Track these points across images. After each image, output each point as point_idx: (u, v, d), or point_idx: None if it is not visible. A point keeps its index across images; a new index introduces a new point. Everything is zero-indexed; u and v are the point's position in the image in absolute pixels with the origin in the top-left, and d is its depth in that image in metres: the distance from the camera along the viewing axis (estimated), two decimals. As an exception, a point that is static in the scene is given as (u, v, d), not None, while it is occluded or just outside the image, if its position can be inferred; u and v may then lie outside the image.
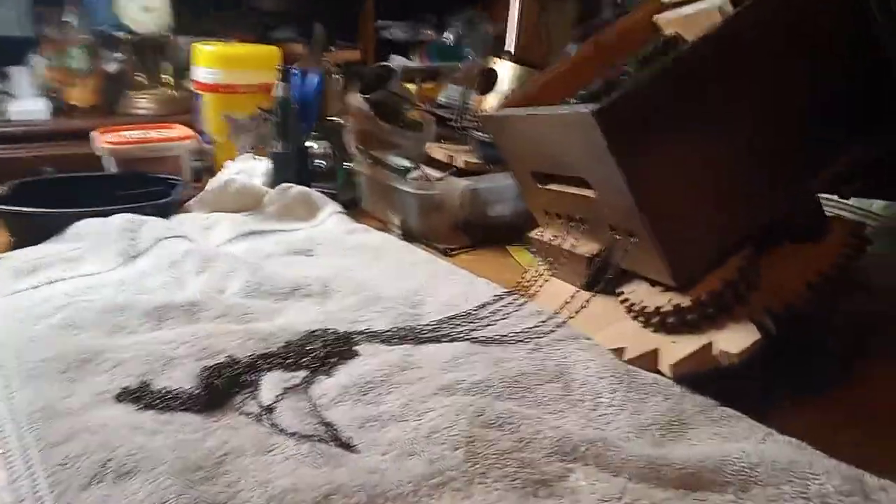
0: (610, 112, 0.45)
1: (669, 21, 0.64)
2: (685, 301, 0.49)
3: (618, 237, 0.53)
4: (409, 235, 0.86)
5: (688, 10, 0.62)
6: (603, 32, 0.66)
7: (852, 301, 0.56)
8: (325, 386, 0.49)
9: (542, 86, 0.65)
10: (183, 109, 1.59)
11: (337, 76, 1.01)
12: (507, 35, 1.28)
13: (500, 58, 0.96)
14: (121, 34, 1.63)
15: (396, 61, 1.97)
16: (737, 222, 0.50)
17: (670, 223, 0.48)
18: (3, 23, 1.67)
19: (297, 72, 0.88)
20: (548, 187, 0.60)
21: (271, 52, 1.03)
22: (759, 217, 0.51)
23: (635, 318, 0.54)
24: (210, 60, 0.98)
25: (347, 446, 0.42)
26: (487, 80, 0.96)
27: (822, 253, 0.51)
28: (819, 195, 0.55)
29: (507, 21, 1.46)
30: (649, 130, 0.47)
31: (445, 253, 0.83)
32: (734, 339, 0.46)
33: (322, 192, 0.94)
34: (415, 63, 2.03)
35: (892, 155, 0.54)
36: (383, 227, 0.90)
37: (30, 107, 1.59)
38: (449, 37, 2.07)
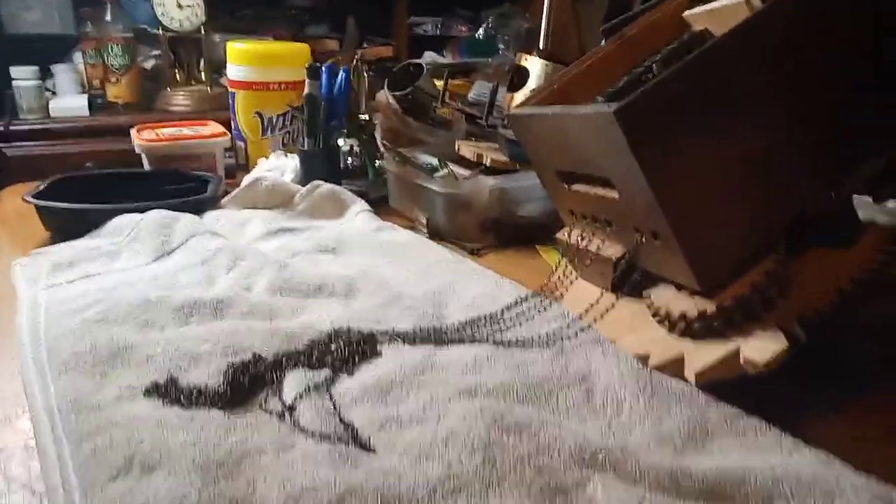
0: (630, 110, 0.44)
1: (697, 16, 0.63)
2: (711, 307, 0.48)
3: (642, 239, 0.52)
4: (436, 234, 0.86)
5: (715, 4, 0.61)
6: (630, 27, 0.65)
7: (887, 305, 0.54)
8: (347, 385, 0.50)
9: (567, 83, 0.64)
10: (219, 105, 1.62)
11: (366, 73, 1.01)
12: (540, 30, 1.26)
13: (530, 54, 0.95)
14: (158, 31, 1.67)
15: (429, 57, 1.97)
16: (765, 223, 0.49)
17: (694, 225, 0.47)
18: (46, 22, 1.72)
19: (325, 69, 0.89)
20: (573, 188, 0.59)
21: (302, 49, 1.04)
22: (787, 217, 0.49)
23: (661, 322, 0.53)
24: (242, 58, 0.99)
25: (365, 447, 0.43)
26: (517, 78, 0.95)
27: (855, 258, 0.50)
28: (852, 197, 0.54)
29: (540, 16, 1.44)
30: (672, 128, 0.46)
31: (473, 252, 0.82)
32: (761, 348, 0.45)
33: (352, 190, 0.94)
34: (447, 59, 2.03)
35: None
36: (411, 225, 0.90)
37: (71, 104, 1.63)
38: (481, 32, 2.06)
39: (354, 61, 0.99)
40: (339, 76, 0.89)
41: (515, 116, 0.61)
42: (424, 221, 0.87)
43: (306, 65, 0.88)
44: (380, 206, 0.96)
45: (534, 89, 0.92)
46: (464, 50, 2.07)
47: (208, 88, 1.72)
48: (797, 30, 0.47)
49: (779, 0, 0.47)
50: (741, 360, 0.46)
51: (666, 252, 0.50)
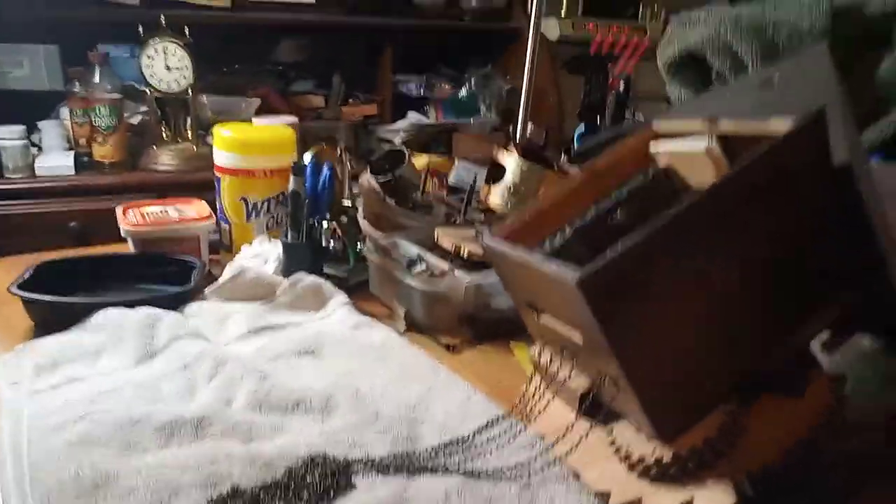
0: (593, 280, 0.47)
1: (661, 153, 0.67)
2: (667, 454, 0.51)
3: (605, 382, 0.55)
4: (413, 325, 0.89)
5: (677, 145, 0.64)
6: (598, 160, 0.69)
7: (850, 441, 0.57)
8: (322, 526, 0.52)
9: (538, 212, 0.68)
10: (205, 165, 1.64)
11: (348, 162, 1.04)
12: (517, 122, 1.31)
13: (507, 149, 0.99)
14: (145, 90, 1.69)
15: (413, 118, 2.02)
16: (723, 379, 0.52)
17: (654, 385, 0.50)
18: (34, 78, 1.74)
19: (309, 165, 0.92)
20: (541, 318, 0.62)
21: (288, 135, 1.07)
22: (741, 370, 0.53)
23: (622, 461, 0.55)
24: (228, 145, 1.02)
25: None
26: (495, 172, 0.99)
27: (806, 407, 0.53)
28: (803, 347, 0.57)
29: (520, 78, 1.49)
30: (633, 294, 0.49)
31: (448, 348, 0.85)
32: (712, 500, 0.48)
33: (333, 276, 0.97)
34: (430, 119, 2.07)
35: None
36: (389, 313, 0.93)
37: (57, 162, 1.65)
38: (464, 92, 2.11)
39: (339, 152, 1.02)
40: (324, 173, 0.92)
41: (489, 248, 0.64)
42: (402, 314, 0.90)
43: (291, 162, 0.91)
44: (360, 291, 0.99)
45: (510, 187, 0.96)
46: (447, 109, 2.12)
47: (194, 147, 1.75)
48: (765, 195, 0.50)
49: (742, 169, 0.49)
50: (694, 513, 0.49)
51: (625, 398, 0.53)
